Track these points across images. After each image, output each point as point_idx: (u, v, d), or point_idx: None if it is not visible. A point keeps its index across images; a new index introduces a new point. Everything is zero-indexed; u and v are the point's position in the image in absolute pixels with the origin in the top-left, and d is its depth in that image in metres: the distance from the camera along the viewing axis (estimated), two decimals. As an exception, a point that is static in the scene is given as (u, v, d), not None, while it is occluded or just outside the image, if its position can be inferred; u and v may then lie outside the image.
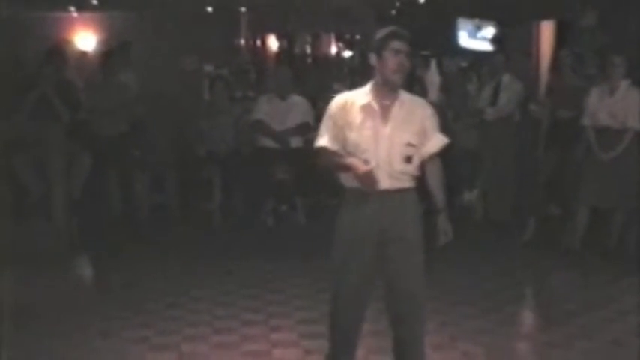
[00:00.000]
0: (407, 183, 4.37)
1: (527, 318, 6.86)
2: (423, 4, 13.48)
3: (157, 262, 8.08)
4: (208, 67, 12.47)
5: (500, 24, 13.30)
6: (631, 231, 8.01)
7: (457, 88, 10.64)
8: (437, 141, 4.47)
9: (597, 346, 5.75)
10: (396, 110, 4.36)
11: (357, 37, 19.14)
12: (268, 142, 9.35)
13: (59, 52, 10.03)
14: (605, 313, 6.51)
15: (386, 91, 4.39)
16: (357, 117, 4.36)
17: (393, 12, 14.71)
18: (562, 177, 8.87)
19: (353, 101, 4.42)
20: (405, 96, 4.44)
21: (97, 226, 9.15)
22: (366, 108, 4.37)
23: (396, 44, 4.33)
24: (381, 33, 4.43)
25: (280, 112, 9.35)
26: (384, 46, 4.34)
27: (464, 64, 11.74)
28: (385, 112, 4.36)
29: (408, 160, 4.33)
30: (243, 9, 15.83)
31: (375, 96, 4.39)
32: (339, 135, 4.38)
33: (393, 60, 4.32)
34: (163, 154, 9.80)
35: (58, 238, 8.33)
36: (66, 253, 8.23)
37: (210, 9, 14.50)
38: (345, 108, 4.41)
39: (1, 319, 5.27)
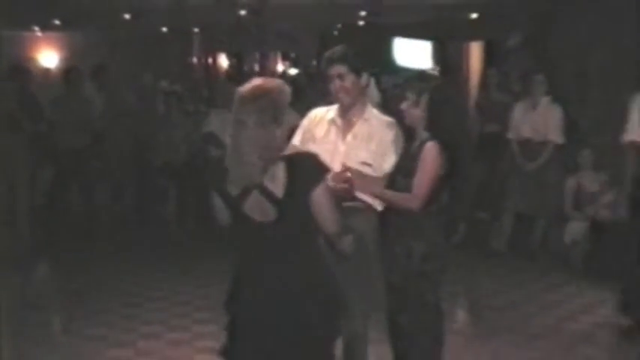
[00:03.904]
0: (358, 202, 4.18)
1: (458, 314, 7.03)
2: (362, 26, 13.98)
3: (116, 264, 8.26)
4: (164, 83, 12.59)
5: (435, 43, 13.72)
6: (552, 234, 8.40)
7: (392, 104, 11.06)
8: (390, 162, 4.28)
9: (521, 338, 6.09)
10: (358, 127, 4.27)
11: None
12: (219, 154, 9.62)
13: (23, 68, 9.99)
14: (528, 309, 6.88)
15: (348, 108, 4.31)
16: (322, 130, 4.32)
17: (335, 32, 15.17)
18: (489, 185, 9.28)
19: (323, 115, 4.38)
20: (371, 114, 4.36)
21: (59, 232, 9.33)
22: (331, 122, 4.36)
23: (331, 70, 4.26)
24: (322, 57, 4.44)
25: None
26: (324, 72, 4.35)
27: (399, 81, 12.14)
28: (347, 129, 4.29)
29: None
30: (196, 29, 16.12)
31: (341, 112, 4.33)
32: (304, 148, 4.27)
33: (332, 85, 4.27)
34: (122, 165, 10.07)
35: (21, 242, 8.43)
36: (29, 257, 8.32)
37: (165, 29, 14.75)
38: (314, 121, 4.38)
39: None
